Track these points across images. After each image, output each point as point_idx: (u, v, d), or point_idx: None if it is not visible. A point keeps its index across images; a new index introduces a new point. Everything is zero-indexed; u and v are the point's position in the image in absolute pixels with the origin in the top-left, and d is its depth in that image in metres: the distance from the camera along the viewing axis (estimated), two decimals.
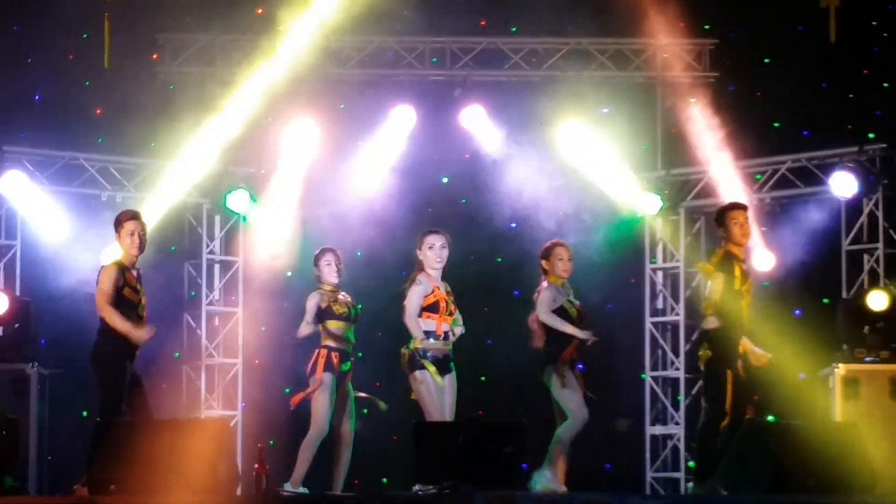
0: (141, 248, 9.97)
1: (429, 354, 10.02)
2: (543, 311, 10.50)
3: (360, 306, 10.72)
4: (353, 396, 10.62)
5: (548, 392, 10.53)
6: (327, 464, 10.63)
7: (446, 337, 10.10)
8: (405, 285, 10.22)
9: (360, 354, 10.68)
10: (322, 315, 10.52)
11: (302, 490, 10.32)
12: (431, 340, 10.03)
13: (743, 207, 10.39)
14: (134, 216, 10.03)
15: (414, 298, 10.07)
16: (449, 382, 10.12)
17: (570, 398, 10.37)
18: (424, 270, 10.20)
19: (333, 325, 10.52)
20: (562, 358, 10.40)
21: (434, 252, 10.19)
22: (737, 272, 10.08)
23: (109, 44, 13.12)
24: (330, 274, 10.64)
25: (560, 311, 10.51)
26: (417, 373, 10.02)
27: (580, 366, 10.72)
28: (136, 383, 9.95)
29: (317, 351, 10.52)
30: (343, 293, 10.69)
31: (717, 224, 10.35)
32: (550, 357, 10.47)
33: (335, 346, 10.49)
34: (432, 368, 9.98)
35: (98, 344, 9.84)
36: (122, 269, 9.88)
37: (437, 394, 10.00)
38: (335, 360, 10.46)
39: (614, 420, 13.84)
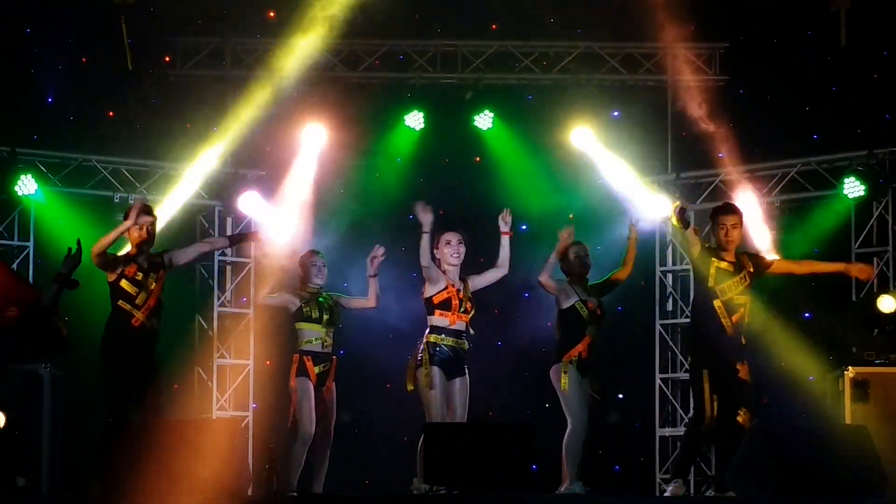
0: (149, 241, 10.01)
1: (440, 349, 9.99)
2: (544, 276, 10.47)
3: (333, 312, 10.74)
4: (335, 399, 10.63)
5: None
6: (333, 464, 10.67)
7: (459, 335, 10.10)
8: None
9: (342, 351, 10.71)
10: (295, 317, 10.59)
11: (293, 494, 10.28)
12: (444, 336, 10.02)
13: (732, 211, 10.29)
14: (143, 209, 10.09)
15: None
16: (461, 386, 10.12)
17: (570, 402, 10.32)
18: (439, 268, 10.22)
19: (305, 327, 10.59)
20: (569, 355, 10.38)
21: (451, 248, 10.22)
22: (712, 270, 10.07)
23: (128, 46, 13.18)
24: (317, 275, 10.70)
25: (571, 311, 10.51)
26: (425, 368, 10.00)
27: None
28: (149, 383, 9.99)
29: (293, 356, 10.60)
30: (324, 295, 10.73)
31: (711, 221, 10.38)
32: (558, 354, 10.46)
33: (307, 349, 10.55)
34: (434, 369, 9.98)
35: (102, 340, 9.92)
36: (126, 259, 9.93)
37: (441, 396, 9.97)
38: (308, 364, 10.51)
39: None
